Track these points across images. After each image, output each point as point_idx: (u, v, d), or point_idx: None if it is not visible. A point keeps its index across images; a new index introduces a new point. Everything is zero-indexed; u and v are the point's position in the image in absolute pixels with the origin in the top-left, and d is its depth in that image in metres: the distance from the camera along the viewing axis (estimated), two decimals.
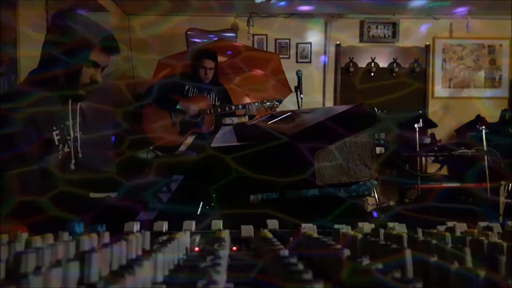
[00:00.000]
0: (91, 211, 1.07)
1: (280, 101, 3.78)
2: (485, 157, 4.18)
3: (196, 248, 0.77)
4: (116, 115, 3.84)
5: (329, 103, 5.46)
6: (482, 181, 4.19)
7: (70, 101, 1.64)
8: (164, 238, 0.72)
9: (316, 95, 5.37)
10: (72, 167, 1.64)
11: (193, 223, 0.90)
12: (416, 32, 5.45)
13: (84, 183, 1.52)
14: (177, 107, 3.59)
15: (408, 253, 0.51)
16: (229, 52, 4.24)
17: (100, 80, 1.63)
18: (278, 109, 3.69)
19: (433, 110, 5.45)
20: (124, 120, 3.70)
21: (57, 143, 1.58)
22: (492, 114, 4.91)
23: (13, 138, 1.44)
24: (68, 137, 1.63)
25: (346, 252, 0.54)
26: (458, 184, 4.35)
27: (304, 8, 5.17)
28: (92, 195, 1.50)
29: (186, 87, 3.70)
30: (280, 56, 4.78)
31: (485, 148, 4.20)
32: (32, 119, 1.49)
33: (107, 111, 4.11)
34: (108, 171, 1.86)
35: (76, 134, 1.67)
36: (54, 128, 1.58)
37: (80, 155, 1.67)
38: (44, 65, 1.60)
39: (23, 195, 1.38)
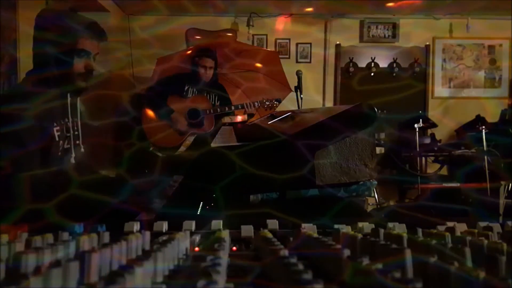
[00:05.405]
0: (95, 214, 1.07)
1: (279, 101, 3.76)
2: (485, 157, 4.17)
3: (196, 248, 0.77)
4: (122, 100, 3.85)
5: (329, 103, 5.45)
6: (482, 181, 4.19)
7: (68, 95, 1.65)
8: (164, 238, 0.72)
9: (316, 95, 5.36)
10: (72, 160, 1.65)
11: (193, 223, 0.90)
12: (416, 32, 5.44)
13: (84, 185, 1.52)
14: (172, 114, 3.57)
15: (408, 253, 0.51)
16: (228, 51, 4.22)
17: (95, 67, 1.63)
18: (277, 109, 3.68)
19: (433, 110, 5.45)
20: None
21: (57, 139, 1.59)
22: (492, 114, 4.90)
23: (19, 137, 1.45)
24: (68, 134, 1.64)
25: (346, 252, 0.54)
26: (458, 184, 4.34)
27: (304, 8, 5.17)
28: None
29: (186, 88, 3.69)
30: (280, 56, 4.77)
31: (485, 148, 4.20)
32: (35, 118, 1.49)
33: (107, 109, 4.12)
34: (103, 173, 1.86)
35: (76, 129, 1.68)
36: (55, 124, 1.59)
37: (82, 149, 1.68)
38: (38, 64, 1.62)
39: (33, 197, 1.37)
